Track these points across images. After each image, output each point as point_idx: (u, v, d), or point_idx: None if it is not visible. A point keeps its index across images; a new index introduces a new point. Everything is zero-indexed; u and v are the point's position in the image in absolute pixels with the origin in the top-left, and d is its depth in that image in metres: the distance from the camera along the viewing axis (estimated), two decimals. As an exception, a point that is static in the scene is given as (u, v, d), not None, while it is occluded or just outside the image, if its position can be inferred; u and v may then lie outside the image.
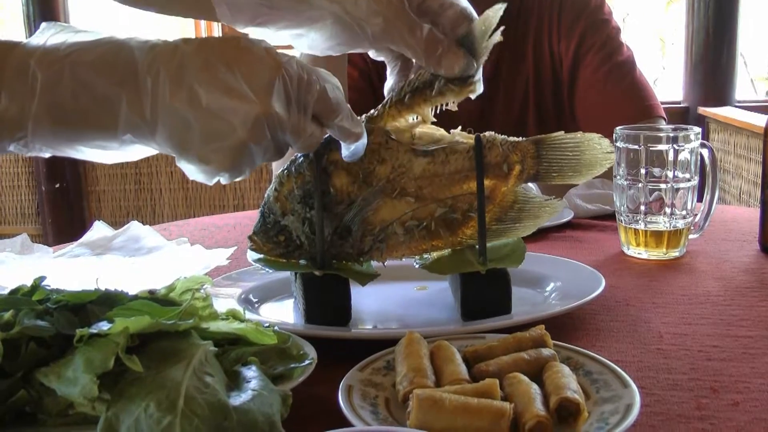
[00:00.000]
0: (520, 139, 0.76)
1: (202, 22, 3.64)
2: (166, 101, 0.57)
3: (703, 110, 3.21)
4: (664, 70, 4.08)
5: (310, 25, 0.70)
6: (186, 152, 0.59)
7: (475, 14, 0.72)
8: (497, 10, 0.69)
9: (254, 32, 0.70)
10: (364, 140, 0.68)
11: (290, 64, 0.61)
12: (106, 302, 0.57)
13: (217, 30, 3.59)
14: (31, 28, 3.56)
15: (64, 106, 0.57)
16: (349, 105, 0.66)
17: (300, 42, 0.72)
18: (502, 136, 0.76)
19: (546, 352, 0.59)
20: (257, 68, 0.59)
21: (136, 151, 0.62)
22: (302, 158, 0.73)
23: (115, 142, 0.59)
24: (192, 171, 0.61)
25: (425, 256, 0.77)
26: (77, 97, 0.57)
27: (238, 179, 0.62)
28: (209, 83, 0.57)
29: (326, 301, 0.73)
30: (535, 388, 0.53)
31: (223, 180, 0.62)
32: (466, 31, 0.70)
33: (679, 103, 3.33)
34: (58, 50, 0.58)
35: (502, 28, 0.69)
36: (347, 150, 0.69)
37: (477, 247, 0.74)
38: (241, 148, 0.59)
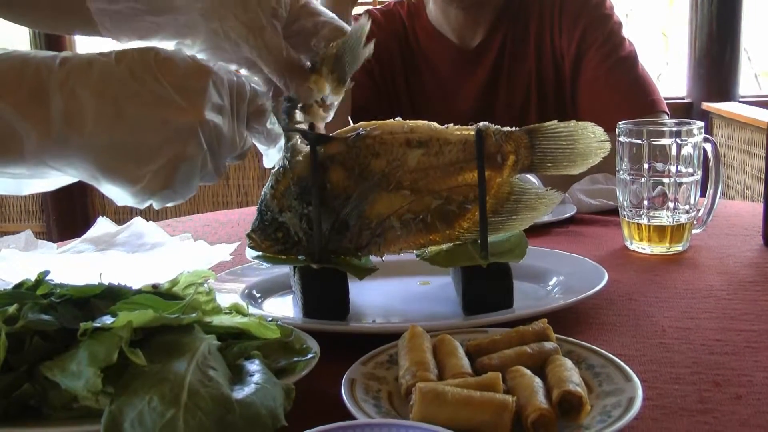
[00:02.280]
0: (513, 129, 0.76)
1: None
2: (87, 121, 0.52)
3: (706, 105, 3.20)
4: (667, 65, 4.07)
5: (187, 36, 0.67)
6: (112, 174, 0.54)
7: (348, 28, 0.73)
8: (363, 25, 0.69)
9: (138, 44, 0.66)
10: (283, 141, 0.68)
11: (219, 68, 0.57)
12: (110, 296, 0.57)
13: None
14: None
15: None
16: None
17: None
18: (496, 126, 0.75)
19: (549, 345, 0.59)
20: (185, 75, 0.55)
21: (52, 179, 0.57)
22: (299, 155, 0.73)
23: (23, 169, 0.54)
24: (119, 195, 0.56)
25: (424, 251, 0.77)
26: None
27: (171, 204, 0.57)
28: (137, 95, 0.53)
29: (324, 294, 0.74)
30: (537, 381, 0.53)
31: (156, 203, 0.57)
32: (335, 52, 0.70)
33: (682, 98, 3.32)
34: None
35: (373, 41, 0.70)
36: (268, 157, 0.69)
37: (479, 241, 0.74)
38: (175, 164, 0.54)
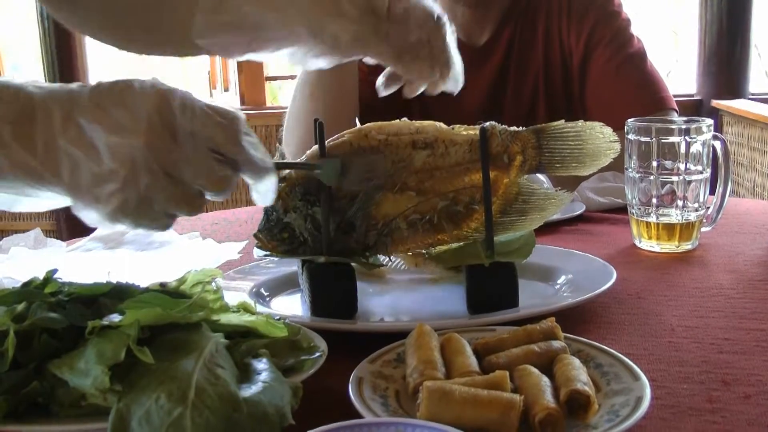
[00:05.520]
0: (521, 128, 0.75)
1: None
2: (57, 139, 0.56)
3: (716, 103, 3.18)
4: (677, 62, 4.06)
5: (292, 43, 0.73)
6: (78, 193, 0.57)
7: (439, 10, 0.77)
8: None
9: (251, 57, 0.74)
10: (274, 178, 0.63)
11: (173, 95, 0.58)
12: (118, 295, 0.57)
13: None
14: (44, 26, 3.57)
15: None
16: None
17: (291, 58, 0.75)
18: (502, 125, 0.75)
19: (556, 344, 0.59)
20: (138, 102, 0.57)
21: (44, 199, 0.60)
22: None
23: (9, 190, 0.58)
24: (89, 216, 0.59)
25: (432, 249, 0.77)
26: None
27: (143, 229, 0.60)
28: (97, 121, 0.56)
29: (332, 293, 0.74)
30: (545, 380, 0.53)
31: (128, 226, 0.59)
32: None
33: (692, 95, 3.31)
34: None
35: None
36: (257, 192, 0.63)
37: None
38: (127, 186, 0.56)
